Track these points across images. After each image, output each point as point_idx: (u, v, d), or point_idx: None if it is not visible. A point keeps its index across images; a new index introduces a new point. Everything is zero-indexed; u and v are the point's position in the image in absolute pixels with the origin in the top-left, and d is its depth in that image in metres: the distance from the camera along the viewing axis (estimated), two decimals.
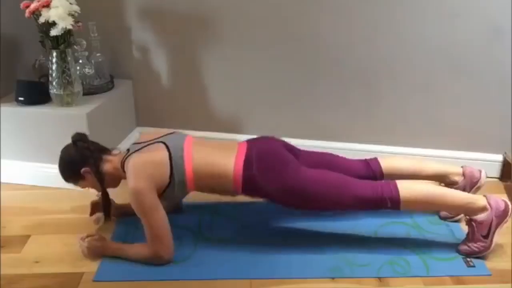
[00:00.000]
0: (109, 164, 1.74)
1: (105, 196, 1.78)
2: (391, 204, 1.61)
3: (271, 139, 1.79)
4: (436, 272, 1.62)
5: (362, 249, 1.73)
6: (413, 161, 1.88)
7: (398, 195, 1.60)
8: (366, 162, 1.85)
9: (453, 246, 1.73)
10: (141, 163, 1.62)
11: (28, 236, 1.84)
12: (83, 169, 1.71)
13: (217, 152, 1.69)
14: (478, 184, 1.83)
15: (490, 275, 1.61)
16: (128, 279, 1.60)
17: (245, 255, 1.71)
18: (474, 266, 1.64)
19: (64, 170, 1.77)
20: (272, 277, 1.61)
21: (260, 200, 2.05)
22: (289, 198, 1.66)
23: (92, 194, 1.90)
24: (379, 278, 1.60)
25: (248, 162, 1.64)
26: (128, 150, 1.76)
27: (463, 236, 1.77)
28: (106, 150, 1.79)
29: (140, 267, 1.64)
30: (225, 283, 1.59)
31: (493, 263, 1.65)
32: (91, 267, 1.66)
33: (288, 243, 1.77)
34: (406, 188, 1.62)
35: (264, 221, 1.92)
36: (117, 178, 1.76)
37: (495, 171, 2.23)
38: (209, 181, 1.67)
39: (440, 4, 2.06)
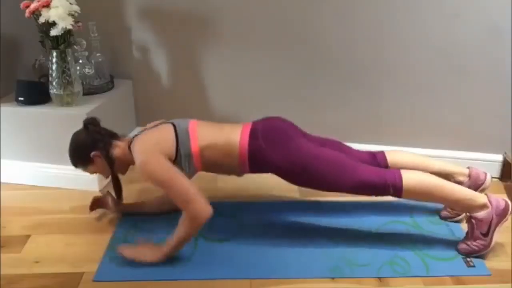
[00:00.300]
0: (118, 149, 1.74)
1: (115, 180, 1.79)
2: (393, 191, 1.61)
3: (277, 117, 1.79)
4: (436, 272, 1.62)
5: (362, 249, 1.73)
6: (419, 158, 1.87)
7: (401, 182, 1.60)
8: (372, 154, 1.85)
9: (453, 246, 1.73)
10: (146, 139, 1.67)
11: (28, 236, 1.84)
12: (93, 153, 1.71)
13: (222, 129, 1.71)
14: (483, 186, 1.82)
15: (490, 275, 1.61)
16: (128, 279, 1.60)
17: (245, 255, 1.71)
18: (474, 266, 1.64)
19: (74, 154, 1.77)
20: (272, 277, 1.60)
21: (260, 200, 2.06)
22: (294, 173, 1.65)
23: (91, 194, 1.90)
24: (379, 278, 1.60)
25: (253, 134, 1.65)
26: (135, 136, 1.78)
27: (463, 236, 1.77)
28: (115, 135, 1.79)
29: (140, 267, 1.64)
30: (225, 283, 1.59)
31: (493, 263, 1.65)
32: (91, 267, 1.66)
33: (288, 243, 1.77)
34: (410, 177, 1.62)
35: (264, 221, 1.92)
36: (126, 163, 1.76)
37: (495, 171, 2.23)
38: (215, 157, 1.67)
39: (440, 4, 2.06)
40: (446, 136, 2.26)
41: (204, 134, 1.68)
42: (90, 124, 1.76)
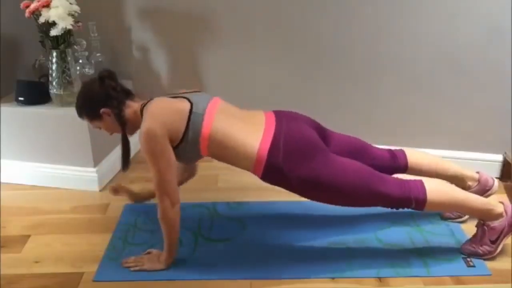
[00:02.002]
0: (130, 109, 1.63)
1: (125, 141, 1.65)
2: (415, 205, 1.57)
3: (301, 118, 1.67)
4: (436, 272, 1.62)
5: (362, 249, 1.72)
6: (436, 161, 1.84)
7: (425, 197, 1.56)
8: (392, 153, 1.80)
9: (453, 246, 1.73)
10: (160, 107, 1.54)
11: (28, 236, 1.84)
12: (103, 109, 1.59)
13: (241, 126, 1.56)
14: (490, 192, 1.81)
15: (490, 275, 1.60)
16: (128, 279, 1.60)
17: (245, 255, 1.71)
18: (474, 266, 1.64)
19: (82, 105, 1.65)
20: (272, 277, 1.60)
21: (260, 199, 2.06)
22: (314, 191, 1.56)
23: (91, 194, 1.89)
24: (379, 278, 1.60)
25: (274, 148, 1.51)
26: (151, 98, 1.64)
27: (463, 236, 1.77)
28: (130, 94, 1.67)
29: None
30: (225, 283, 1.59)
31: (493, 263, 1.65)
32: (91, 267, 1.66)
33: (288, 243, 1.77)
34: (433, 190, 1.57)
35: (264, 221, 1.92)
36: (135, 125, 1.62)
37: (495, 171, 2.23)
38: (226, 153, 1.56)
39: (440, 4, 2.06)
40: (446, 136, 2.26)
41: (219, 128, 1.53)
42: (107, 77, 1.60)
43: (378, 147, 1.82)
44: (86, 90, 1.65)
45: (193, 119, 1.53)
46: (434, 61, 2.15)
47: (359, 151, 1.73)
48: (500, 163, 2.23)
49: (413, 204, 1.57)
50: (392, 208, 1.61)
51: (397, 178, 1.62)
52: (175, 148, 1.55)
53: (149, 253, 1.69)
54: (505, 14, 2.00)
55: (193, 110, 1.54)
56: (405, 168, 1.79)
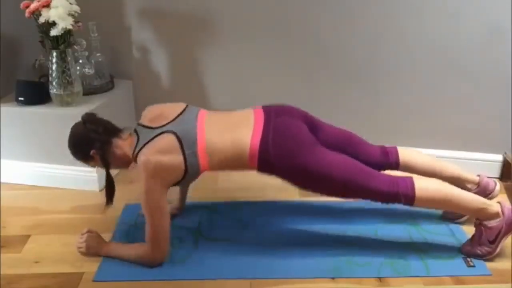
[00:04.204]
0: (118, 149, 1.68)
1: (109, 181, 1.71)
2: (404, 200, 1.59)
3: (289, 110, 1.71)
4: (436, 272, 1.61)
5: (362, 249, 1.72)
6: (432, 160, 1.84)
7: (414, 193, 1.57)
8: (384, 150, 1.82)
9: (453, 246, 1.73)
10: (153, 166, 1.56)
11: (28, 236, 1.84)
12: (92, 151, 1.66)
13: (232, 128, 1.63)
14: (491, 196, 1.80)
15: (490, 275, 1.60)
16: (128, 279, 1.60)
17: (245, 255, 1.71)
18: (474, 266, 1.64)
19: (73, 151, 1.72)
20: (272, 277, 1.60)
21: (260, 199, 2.06)
22: (303, 180, 1.63)
23: (91, 194, 1.89)
24: (379, 278, 1.60)
25: (264, 142, 1.58)
26: (136, 134, 1.68)
27: (463, 236, 1.77)
28: (116, 133, 1.71)
29: (140, 267, 1.64)
30: (225, 283, 1.59)
31: (493, 263, 1.65)
32: (91, 267, 1.66)
33: (288, 243, 1.77)
34: (423, 188, 1.59)
35: (264, 221, 1.92)
36: (127, 162, 1.71)
37: (495, 171, 2.23)
38: (224, 164, 1.64)
39: (440, 4, 2.06)
40: (446, 136, 2.26)
41: (215, 148, 1.60)
42: (87, 121, 1.69)
43: (370, 143, 1.83)
44: (73, 135, 1.72)
45: (189, 164, 1.60)
46: (434, 61, 2.15)
47: (349, 144, 1.75)
48: (500, 163, 2.23)
49: (402, 200, 1.59)
50: (381, 202, 1.63)
51: (386, 174, 1.65)
52: (176, 183, 1.65)
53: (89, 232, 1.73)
54: (505, 14, 2.00)
55: (186, 154, 1.59)
56: (396, 165, 1.80)
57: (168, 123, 1.64)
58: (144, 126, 1.68)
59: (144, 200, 1.58)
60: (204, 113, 1.70)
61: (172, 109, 1.69)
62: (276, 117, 1.65)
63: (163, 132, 1.62)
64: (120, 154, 1.69)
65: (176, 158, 1.59)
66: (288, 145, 1.59)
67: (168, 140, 1.60)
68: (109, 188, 1.71)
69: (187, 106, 1.71)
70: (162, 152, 1.59)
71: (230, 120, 1.69)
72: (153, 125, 1.65)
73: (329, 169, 1.58)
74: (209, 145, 1.61)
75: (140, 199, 1.60)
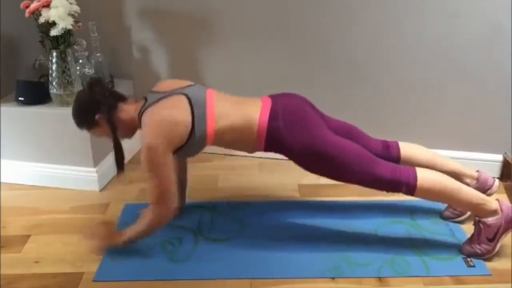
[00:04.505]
0: (124, 113, 1.65)
1: (117, 146, 1.66)
2: (406, 189, 1.60)
3: (296, 95, 1.73)
4: (436, 272, 1.62)
5: (362, 249, 1.73)
6: (432, 155, 1.85)
7: (416, 183, 1.59)
8: (385, 143, 1.83)
9: (453, 246, 1.73)
10: (159, 120, 1.55)
11: (28, 236, 1.84)
12: (97, 116, 1.62)
13: (241, 105, 1.64)
14: (489, 192, 1.81)
15: (490, 275, 1.60)
16: (128, 279, 1.60)
17: (245, 255, 1.71)
18: (474, 266, 1.64)
19: (77, 115, 1.68)
20: (272, 277, 1.60)
21: (260, 200, 2.06)
22: (310, 158, 1.62)
23: (91, 194, 1.89)
24: (379, 278, 1.60)
25: (274, 114, 1.60)
26: (145, 99, 1.66)
27: (463, 236, 1.77)
28: (122, 98, 1.69)
29: (140, 267, 1.64)
30: (225, 283, 1.59)
31: (493, 263, 1.65)
32: (91, 267, 1.66)
33: (288, 243, 1.77)
34: (425, 177, 1.60)
35: (264, 221, 1.92)
36: (132, 128, 1.68)
37: (495, 171, 2.23)
38: (231, 135, 1.62)
39: (440, 4, 2.06)
40: (446, 136, 2.26)
41: (223, 113, 1.60)
42: (94, 85, 1.65)
43: (371, 137, 1.84)
44: (77, 101, 1.69)
45: (197, 122, 1.57)
46: (434, 61, 2.15)
47: (351, 137, 1.75)
48: (500, 163, 2.23)
49: (403, 188, 1.60)
50: (382, 190, 1.64)
51: (389, 163, 1.66)
52: (179, 148, 1.59)
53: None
54: (506, 14, 2.00)
55: (195, 112, 1.57)
56: (397, 159, 1.80)
57: (179, 88, 1.64)
58: (154, 92, 1.67)
59: (146, 156, 1.53)
60: (213, 90, 1.69)
61: (184, 82, 1.69)
62: (284, 98, 1.68)
63: (173, 94, 1.61)
64: (126, 119, 1.65)
65: (184, 114, 1.57)
66: (297, 121, 1.61)
67: (178, 98, 1.60)
68: (118, 153, 1.67)
69: (195, 83, 1.71)
70: (170, 107, 1.58)
71: (238, 98, 1.70)
72: (162, 90, 1.65)
73: (336, 149, 1.59)
74: (218, 111, 1.60)
75: (140, 157, 1.54)
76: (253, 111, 1.62)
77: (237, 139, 1.64)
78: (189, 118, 1.57)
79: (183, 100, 1.59)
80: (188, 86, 1.66)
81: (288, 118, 1.60)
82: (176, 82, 1.69)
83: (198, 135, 1.58)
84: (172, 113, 1.57)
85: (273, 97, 1.69)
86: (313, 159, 1.62)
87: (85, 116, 1.66)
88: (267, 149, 1.65)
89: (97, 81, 1.68)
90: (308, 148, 1.59)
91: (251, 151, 1.69)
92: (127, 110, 1.66)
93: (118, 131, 1.65)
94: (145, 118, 1.58)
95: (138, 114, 1.63)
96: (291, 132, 1.59)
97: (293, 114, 1.62)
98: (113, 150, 1.66)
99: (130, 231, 1.66)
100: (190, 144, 1.59)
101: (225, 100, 1.66)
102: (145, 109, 1.60)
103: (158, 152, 1.53)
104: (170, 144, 1.56)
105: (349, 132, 1.78)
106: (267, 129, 1.59)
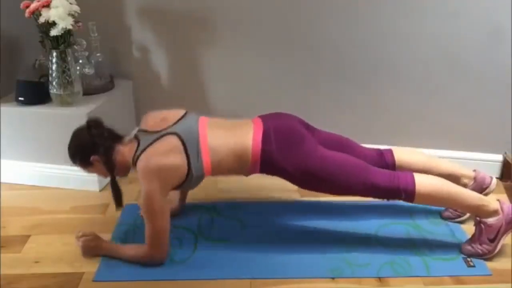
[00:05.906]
0: (119, 155, 1.68)
1: (114, 185, 1.69)
2: (405, 196, 1.60)
3: (285, 114, 1.75)
4: (436, 272, 1.62)
5: (362, 249, 1.73)
6: (427, 158, 1.85)
7: (414, 188, 1.59)
8: (379, 152, 1.83)
9: (453, 246, 1.73)
10: (154, 170, 1.57)
11: (28, 236, 1.84)
12: (92, 157, 1.65)
13: (234, 132, 1.65)
14: (487, 190, 1.81)
15: (490, 275, 1.60)
16: (128, 279, 1.60)
17: (245, 255, 1.71)
18: (474, 266, 1.64)
19: (74, 154, 1.70)
20: (272, 277, 1.60)
21: (260, 200, 2.06)
22: (305, 178, 1.63)
23: (91, 194, 1.89)
24: (379, 278, 1.60)
25: (266, 137, 1.62)
26: (137, 139, 1.68)
27: (463, 236, 1.77)
28: (118, 138, 1.72)
29: (140, 267, 1.64)
30: (225, 283, 1.59)
31: (493, 263, 1.65)
32: (91, 267, 1.66)
33: (288, 243, 1.77)
34: (423, 183, 1.60)
35: (264, 221, 1.92)
36: (127, 168, 1.71)
37: (495, 171, 2.23)
38: (227, 165, 1.64)
39: (440, 4, 2.06)
40: (446, 136, 2.26)
41: (217, 144, 1.62)
42: (93, 126, 1.68)
43: (365, 147, 1.84)
44: (75, 140, 1.71)
45: (193, 164, 1.60)
46: (434, 61, 2.15)
47: (345, 149, 1.75)
48: (500, 163, 2.23)
49: (402, 195, 1.60)
50: (382, 198, 1.64)
51: (386, 170, 1.67)
52: (178, 186, 1.64)
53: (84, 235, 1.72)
54: (506, 14, 2.00)
55: (189, 153, 1.59)
56: (393, 166, 1.80)
57: (169, 126, 1.65)
58: (145, 131, 1.69)
59: (145, 203, 1.58)
60: (205, 118, 1.72)
61: (173, 113, 1.70)
62: (274, 120, 1.69)
63: (164, 135, 1.62)
64: (121, 161, 1.68)
65: (179, 158, 1.59)
66: (289, 142, 1.62)
67: (171, 141, 1.61)
68: (116, 191, 1.70)
69: (186, 111, 1.72)
70: (164, 153, 1.59)
71: (230, 123, 1.71)
72: (155, 129, 1.66)
73: (330, 166, 1.61)
74: (212, 143, 1.62)
75: (140, 202, 1.59)
76: (246, 137, 1.63)
77: (234, 166, 1.66)
78: (184, 160, 1.59)
79: (175, 142, 1.60)
80: (178, 120, 1.67)
81: (280, 141, 1.62)
82: (163, 114, 1.71)
83: (196, 174, 1.62)
84: (167, 161, 1.58)
85: (264, 119, 1.70)
86: (309, 179, 1.64)
87: (80, 155, 1.69)
88: (262, 171, 1.67)
89: (95, 123, 1.70)
90: (303, 169, 1.61)
91: (247, 174, 1.71)
92: (122, 152, 1.69)
93: (115, 171, 1.68)
94: (140, 166, 1.59)
95: (133, 158, 1.65)
96: (285, 155, 1.61)
97: (284, 135, 1.64)
98: (111, 189, 1.69)
99: (123, 251, 1.68)
100: (188, 181, 1.64)
101: (217, 128, 1.67)
102: (140, 153, 1.61)
103: (155, 200, 1.57)
104: (167, 189, 1.61)
105: (342, 145, 1.78)
106: (261, 153, 1.61)
